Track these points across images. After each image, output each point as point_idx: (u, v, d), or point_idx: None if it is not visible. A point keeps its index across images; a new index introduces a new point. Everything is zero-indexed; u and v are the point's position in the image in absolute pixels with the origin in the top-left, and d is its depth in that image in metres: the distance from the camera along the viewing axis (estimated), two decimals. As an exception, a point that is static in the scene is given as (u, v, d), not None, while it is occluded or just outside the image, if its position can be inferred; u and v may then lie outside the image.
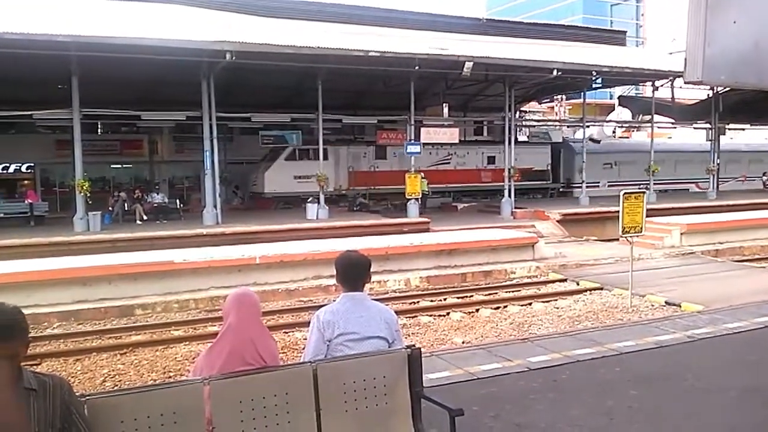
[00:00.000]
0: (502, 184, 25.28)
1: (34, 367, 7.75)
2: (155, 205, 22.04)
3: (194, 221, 20.02)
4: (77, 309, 11.02)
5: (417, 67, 20.47)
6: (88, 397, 2.71)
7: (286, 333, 9.74)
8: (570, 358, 6.39)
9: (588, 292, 12.56)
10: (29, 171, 26.70)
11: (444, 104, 24.68)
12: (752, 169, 37.03)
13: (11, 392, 2.33)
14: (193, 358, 8.40)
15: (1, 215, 21.15)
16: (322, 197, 21.78)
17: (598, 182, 30.55)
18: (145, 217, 21.23)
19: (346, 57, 19.20)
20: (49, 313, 10.71)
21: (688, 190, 33.62)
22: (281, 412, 3.10)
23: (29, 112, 19.11)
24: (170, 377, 7.82)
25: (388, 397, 3.36)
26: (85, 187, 18.78)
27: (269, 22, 21.45)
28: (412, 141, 22.84)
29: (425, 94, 25.22)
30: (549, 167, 31.39)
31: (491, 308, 11.43)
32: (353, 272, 3.62)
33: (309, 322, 9.37)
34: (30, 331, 2.43)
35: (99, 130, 24.84)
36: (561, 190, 31.99)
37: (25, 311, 2.45)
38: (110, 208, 21.47)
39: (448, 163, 29.26)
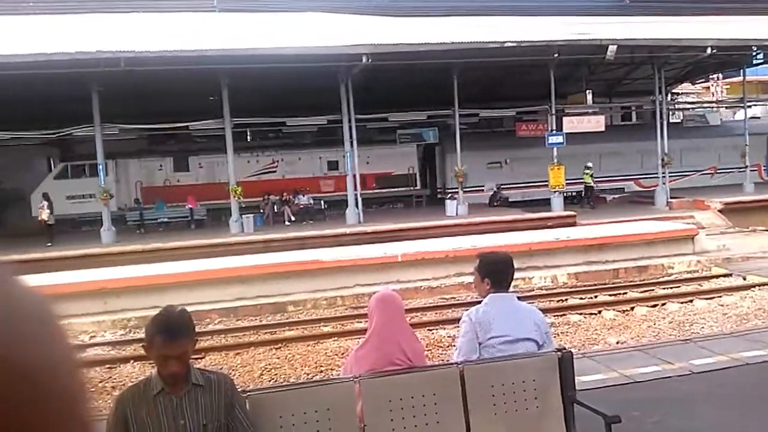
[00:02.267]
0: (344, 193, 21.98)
1: (199, 360, 8.41)
2: (302, 206, 23.12)
3: (338, 221, 20.76)
4: (236, 306, 11.78)
5: (556, 55, 19.74)
6: (249, 393, 2.90)
7: (430, 330, 9.78)
8: (738, 361, 5.83)
9: (757, 287, 11.39)
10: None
11: (587, 91, 23.58)
12: None
13: (182, 387, 2.53)
14: (343, 354, 8.68)
15: (165, 220, 23.30)
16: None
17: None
18: (293, 219, 22.34)
19: (481, 50, 18.95)
20: (210, 310, 11.54)
21: None
22: (429, 412, 3.11)
23: (185, 124, 20.80)
24: (322, 372, 8.12)
25: (538, 401, 3.26)
26: (238, 192, 20.13)
27: (404, 21, 21.73)
28: (554, 131, 22.05)
29: (566, 82, 24.22)
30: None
31: (648, 306, 10.71)
32: (501, 272, 3.53)
33: (453, 320, 9.40)
34: (195, 330, 2.61)
35: (248, 138, 26.37)
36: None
37: (190, 308, 2.64)
38: (261, 211, 22.83)
39: (274, 171, 26.10)
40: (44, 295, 0.47)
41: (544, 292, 12.29)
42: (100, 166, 19.75)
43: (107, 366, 8.80)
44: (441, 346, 8.81)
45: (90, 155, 21.05)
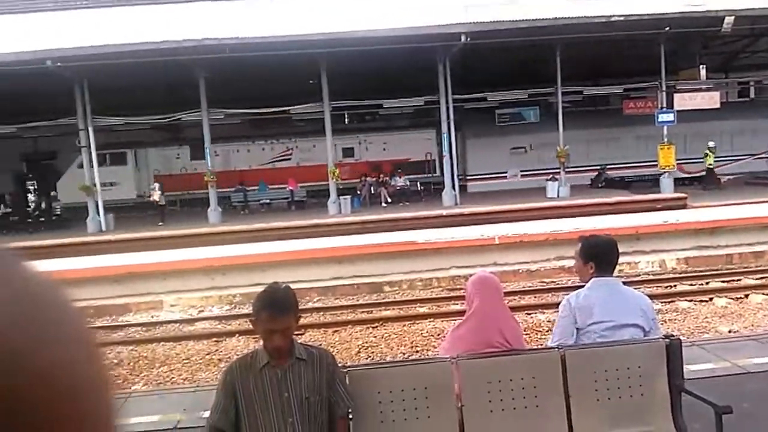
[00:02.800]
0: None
1: (299, 336, 8.67)
2: (398, 188, 23.24)
3: (434, 203, 20.72)
4: (334, 285, 12.06)
5: (667, 28, 18.60)
6: (349, 369, 2.98)
7: (528, 314, 9.58)
8: None
9: None
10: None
11: (700, 66, 22.08)
12: None
13: (286, 361, 2.62)
14: (438, 335, 8.69)
15: (268, 201, 24.17)
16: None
17: None
18: (389, 200, 22.52)
19: (586, 25, 18.17)
20: (310, 288, 11.87)
21: None
22: (528, 395, 3.07)
23: (287, 108, 21.36)
24: (417, 351, 8.16)
25: (644, 388, 3.14)
26: (336, 174, 20.51)
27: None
28: (664, 109, 20.85)
29: (677, 56, 22.76)
30: None
31: (764, 294, 9.98)
32: (605, 255, 3.41)
33: (552, 305, 9.17)
34: (299, 306, 2.68)
35: (345, 120, 26.73)
36: None
37: (292, 287, 2.72)
38: (358, 192, 23.17)
39: (289, 159, 26.13)
40: (58, 282, 0.43)
41: (651, 277, 11.72)
42: (207, 150, 20.69)
43: (214, 339, 9.26)
44: (539, 331, 8.62)
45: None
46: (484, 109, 24.12)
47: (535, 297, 10.83)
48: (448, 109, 20.21)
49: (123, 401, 5.53)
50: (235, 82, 21.24)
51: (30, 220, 22.27)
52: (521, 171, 25.62)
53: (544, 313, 9.46)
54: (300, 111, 21.87)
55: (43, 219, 22.61)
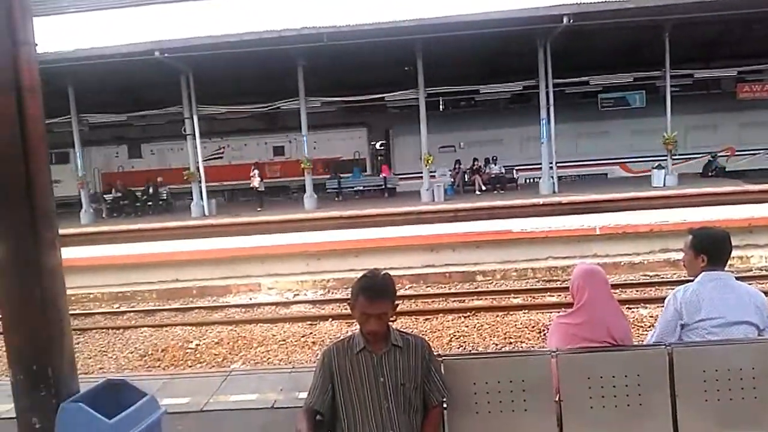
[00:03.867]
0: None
1: (392, 323, 8.69)
2: (493, 175, 22.84)
3: (530, 191, 20.22)
4: (426, 273, 12.01)
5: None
6: (444, 357, 2.93)
7: (630, 309, 9.13)
8: None
9: None
10: (382, 148, 29.65)
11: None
12: None
13: (382, 347, 2.60)
14: (533, 327, 8.48)
15: (361, 188, 24.47)
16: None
17: None
18: (483, 188, 22.19)
19: (699, 4, 17.03)
20: (402, 276, 11.88)
21: None
22: (632, 393, 2.94)
23: (381, 95, 21.43)
24: (511, 343, 7.98)
25: (757, 390, 2.91)
26: (429, 161, 20.42)
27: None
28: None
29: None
30: None
31: None
32: (718, 249, 3.21)
33: (656, 299, 8.69)
34: (396, 293, 2.67)
35: (440, 107, 26.50)
36: None
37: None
38: (452, 180, 22.98)
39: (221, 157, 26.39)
40: None
41: (765, 273, 10.89)
42: (305, 138, 21.17)
43: (309, 322, 9.47)
44: (641, 326, 8.21)
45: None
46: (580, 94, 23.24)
47: (637, 291, 10.32)
48: (547, 94, 19.59)
49: (223, 379, 5.74)
50: (329, 71, 21.52)
51: (138, 204, 23.66)
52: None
53: (646, 307, 9.01)
54: (397, 97, 21.80)
55: (150, 203, 23.97)
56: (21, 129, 2.95)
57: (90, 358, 8.46)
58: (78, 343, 8.96)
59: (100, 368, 8.12)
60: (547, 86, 19.54)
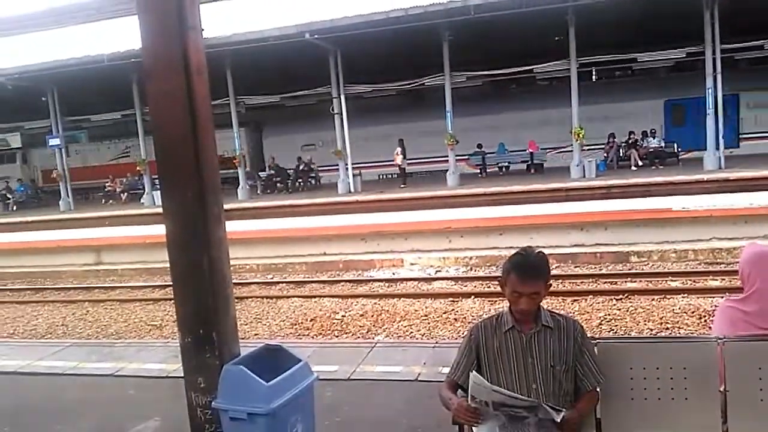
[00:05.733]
0: None
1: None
2: (651, 149, 21.34)
3: (694, 166, 18.70)
4: (575, 252, 11.55)
5: None
6: (597, 341, 2.81)
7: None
8: None
9: None
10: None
11: None
12: None
13: (531, 327, 2.52)
14: (693, 312, 7.89)
15: (506, 164, 23.96)
16: None
17: None
18: (640, 163, 20.82)
19: None
20: (549, 254, 11.51)
21: None
22: None
23: (530, 67, 20.72)
24: (668, 329, 7.47)
25: None
26: (581, 135, 19.50)
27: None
28: None
29: None
30: None
31: None
32: None
33: None
34: (551, 273, 2.60)
35: (593, 77, 25.18)
36: None
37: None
38: (605, 154, 21.80)
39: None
40: None
41: None
42: (449, 114, 21.06)
43: (451, 299, 9.47)
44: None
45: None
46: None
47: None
48: (714, 60, 17.89)
49: (369, 350, 5.91)
50: (476, 45, 21.12)
51: (290, 181, 24.91)
52: None
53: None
54: (546, 69, 20.95)
55: (300, 181, 25.14)
56: (190, 109, 3.17)
57: (246, 324, 9.07)
58: (236, 311, 9.67)
59: (255, 334, 8.71)
60: (714, 52, 17.82)
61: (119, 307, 10.93)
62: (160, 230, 3.46)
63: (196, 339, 3.31)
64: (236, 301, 9.94)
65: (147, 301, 11.14)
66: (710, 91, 18.17)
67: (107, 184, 27.94)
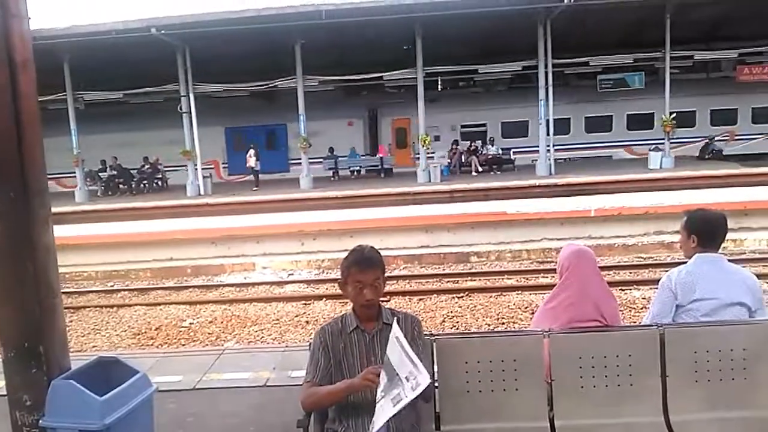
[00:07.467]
0: None
1: (385, 303, 8.72)
2: (490, 156, 22.78)
3: (527, 172, 20.20)
4: (420, 253, 12.04)
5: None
6: (436, 337, 2.94)
7: (623, 290, 9.19)
8: None
9: None
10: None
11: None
12: None
13: (374, 325, 2.61)
14: (526, 308, 8.52)
15: (358, 168, 24.43)
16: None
17: None
18: (480, 169, 22.13)
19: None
20: (397, 256, 11.91)
21: None
22: (623, 374, 2.94)
23: (379, 74, 21.25)
24: (503, 324, 8.03)
25: (747, 371, 2.93)
26: (426, 142, 20.33)
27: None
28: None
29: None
30: None
31: None
32: (711, 231, 3.22)
33: (649, 281, 8.71)
34: (385, 267, 2.66)
35: (439, 87, 26.31)
36: None
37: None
38: (448, 161, 22.91)
39: None
40: None
41: (758, 256, 10.95)
42: (302, 117, 21.01)
43: (303, 302, 9.49)
44: (633, 308, 8.27)
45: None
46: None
47: (630, 273, 10.37)
48: (546, 74, 19.46)
49: (216, 358, 5.76)
50: (327, 50, 21.29)
51: (134, 182, 23.52)
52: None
53: (639, 289, 9.07)
54: (396, 77, 21.60)
55: (146, 182, 23.84)
56: (14, 105, 2.91)
57: (83, 336, 8.48)
58: (71, 321, 8.98)
59: (93, 346, 8.15)
60: (546, 66, 19.40)
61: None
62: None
63: (20, 353, 3.04)
64: (71, 311, 9.36)
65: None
66: (543, 102, 19.75)
67: None
